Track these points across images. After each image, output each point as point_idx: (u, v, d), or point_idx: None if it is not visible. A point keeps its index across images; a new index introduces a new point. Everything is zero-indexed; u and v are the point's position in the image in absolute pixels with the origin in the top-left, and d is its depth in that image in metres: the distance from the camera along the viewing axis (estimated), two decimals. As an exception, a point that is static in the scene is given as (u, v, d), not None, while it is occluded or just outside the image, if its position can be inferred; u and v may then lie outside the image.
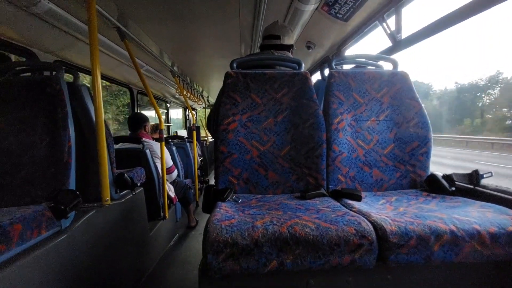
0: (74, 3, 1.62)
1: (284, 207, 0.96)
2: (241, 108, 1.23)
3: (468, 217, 0.81)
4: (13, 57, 1.84)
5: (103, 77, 3.04)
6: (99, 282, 1.28)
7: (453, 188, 1.13)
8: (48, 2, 1.55)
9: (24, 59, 1.88)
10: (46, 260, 0.96)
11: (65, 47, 2.06)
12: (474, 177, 1.12)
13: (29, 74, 1.53)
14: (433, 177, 1.17)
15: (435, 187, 1.14)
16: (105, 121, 1.34)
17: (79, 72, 1.61)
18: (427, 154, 1.24)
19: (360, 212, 0.89)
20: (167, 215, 2.16)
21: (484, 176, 1.11)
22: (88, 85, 1.40)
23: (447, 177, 1.16)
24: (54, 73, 1.31)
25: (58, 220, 1.05)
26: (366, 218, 0.82)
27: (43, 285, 0.94)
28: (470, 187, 1.14)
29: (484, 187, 1.11)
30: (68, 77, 1.48)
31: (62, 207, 1.03)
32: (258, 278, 0.79)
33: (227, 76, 1.25)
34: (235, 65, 1.29)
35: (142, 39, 2.37)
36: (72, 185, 1.16)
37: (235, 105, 1.23)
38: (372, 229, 0.77)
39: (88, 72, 2.40)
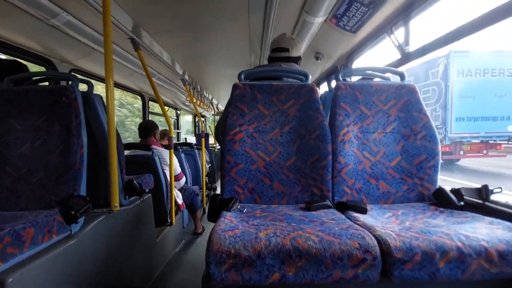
0: (91, 15, 1.69)
1: (288, 218, 0.96)
2: (248, 118, 1.25)
3: (475, 234, 0.79)
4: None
5: (117, 85, 3.13)
6: (107, 286, 1.30)
7: (462, 203, 1.10)
8: (67, 15, 1.63)
9: (42, 68, 1.97)
10: (55, 263, 0.99)
11: (81, 57, 2.15)
12: (484, 192, 1.10)
13: (47, 83, 1.61)
14: (441, 191, 1.15)
15: (444, 201, 1.12)
16: (116, 129, 1.38)
17: (94, 80, 1.67)
18: (435, 168, 1.22)
19: (364, 226, 0.89)
20: (174, 221, 2.18)
21: (494, 191, 1.09)
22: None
23: (455, 191, 1.14)
24: (70, 82, 1.37)
25: (68, 225, 1.08)
26: (370, 232, 0.82)
27: None
28: (479, 202, 1.12)
29: (494, 202, 1.08)
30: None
31: (73, 212, 1.07)
32: None
33: (234, 87, 1.28)
34: (242, 76, 1.31)
35: (154, 49, 2.44)
36: (83, 191, 1.20)
37: (242, 115, 1.25)
38: (376, 243, 0.76)
39: (103, 80, 2.49)
